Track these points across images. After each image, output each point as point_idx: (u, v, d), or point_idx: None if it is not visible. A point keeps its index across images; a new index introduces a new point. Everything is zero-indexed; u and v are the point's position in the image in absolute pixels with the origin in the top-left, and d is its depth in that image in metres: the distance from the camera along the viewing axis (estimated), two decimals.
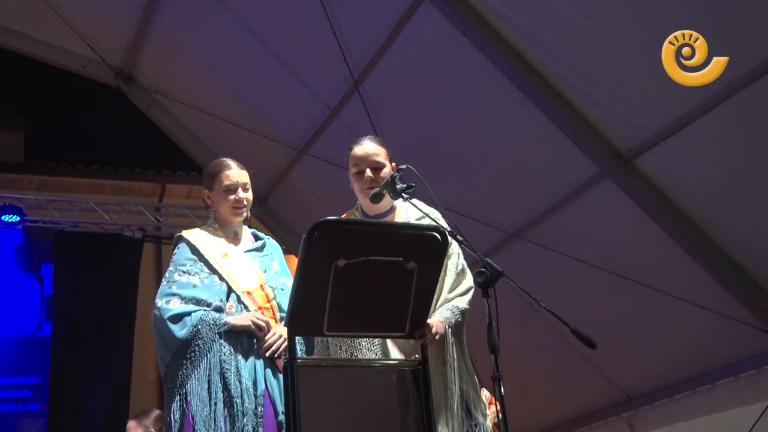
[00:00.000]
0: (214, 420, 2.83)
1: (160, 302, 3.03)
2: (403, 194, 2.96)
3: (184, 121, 7.23)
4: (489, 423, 3.74)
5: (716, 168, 4.57)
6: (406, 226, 2.99)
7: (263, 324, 2.98)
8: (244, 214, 3.25)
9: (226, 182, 3.20)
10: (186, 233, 3.23)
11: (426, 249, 2.65)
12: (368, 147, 3.17)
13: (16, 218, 7.16)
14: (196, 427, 2.83)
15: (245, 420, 2.84)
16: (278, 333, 3.00)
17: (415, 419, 2.66)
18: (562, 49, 4.63)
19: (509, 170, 5.49)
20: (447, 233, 2.72)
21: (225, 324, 2.96)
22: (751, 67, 4.00)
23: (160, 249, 8.44)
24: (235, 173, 3.23)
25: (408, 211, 3.18)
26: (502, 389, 2.60)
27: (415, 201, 3.12)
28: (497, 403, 2.65)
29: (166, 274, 3.14)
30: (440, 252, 2.69)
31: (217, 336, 2.93)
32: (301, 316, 2.55)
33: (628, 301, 5.41)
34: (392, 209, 3.20)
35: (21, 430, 6.95)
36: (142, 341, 7.96)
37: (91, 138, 8.93)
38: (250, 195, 3.26)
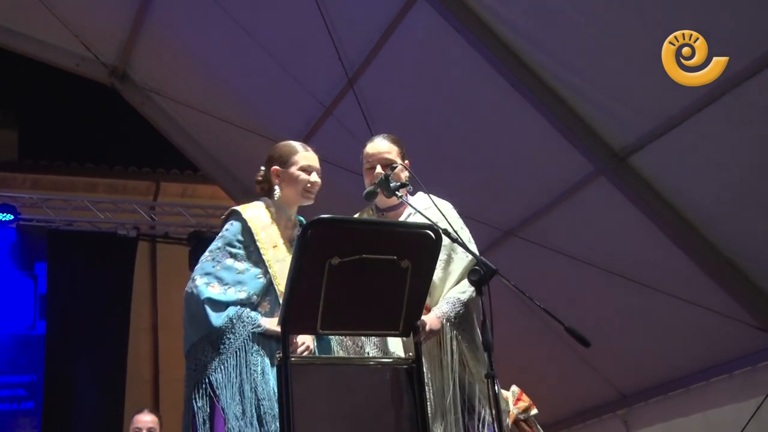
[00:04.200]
0: (245, 418, 2.78)
1: (200, 281, 2.92)
2: (397, 192, 2.97)
3: (179, 120, 7.22)
4: (509, 419, 3.73)
5: (710, 166, 4.58)
6: (401, 225, 3.00)
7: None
8: (312, 199, 3.14)
9: (304, 162, 3.10)
10: (243, 210, 3.08)
11: (420, 247, 2.65)
12: (380, 144, 3.23)
13: (9, 217, 7.14)
14: (229, 425, 2.78)
15: (275, 424, 2.74)
16: (307, 344, 2.93)
17: (410, 417, 2.65)
18: (557, 48, 4.63)
19: (504, 168, 5.49)
20: (441, 231, 2.72)
21: (260, 326, 2.89)
22: (744, 65, 4.01)
23: (154, 247, 8.44)
24: (312, 156, 3.14)
25: (417, 203, 3.18)
26: (497, 387, 2.60)
27: (422, 194, 3.15)
28: (492, 400, 2.65)
29: (213, 248, 3.01)
30: (434, 250, 2.69)
31: (250, 335, 2.88)
32: (295, 314, 2.54)
33: (623, 299, 5.41)
34: (403, 202, 3.21)
35: (15, 429, 6.93)
36: (137, 340, 7.97)
37: (86, 136, 8.92)
38: (320, 180, 3.15)
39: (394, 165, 3.13)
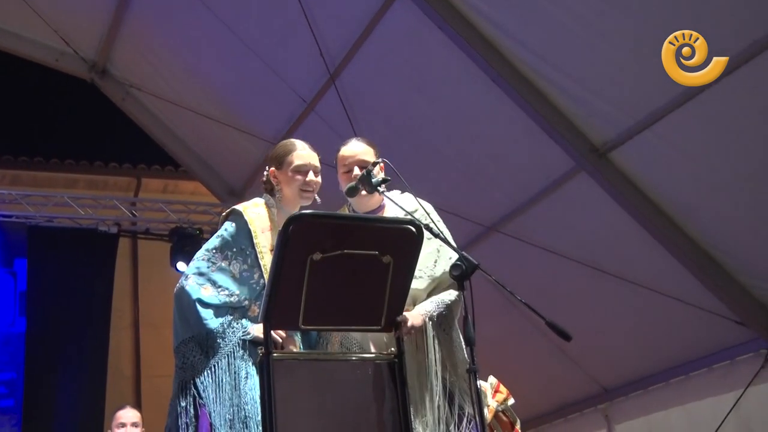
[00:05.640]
0: (232, 424, 2.77)
1: (193, 280, 2.90)
2: (378, 188, 2.96)
3: (160, 115, 7.18)
4: (489, 414, 3.73)
5: (690, 161, 4.61)
6: (382, 220, 2.99)
7: (280, 341, 2.90)
8: (311, 199, 3.09)
9: (297, 162, 3.05)
10: (244, 210, 3.04)
11: (401, 242, 2.65)
12: (356, 147, 3.17)
13: None
14: (215, 424, 2.78)
15: (258, 429, 2.74)
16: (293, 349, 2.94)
17: (392, 412, 2.66)
18: (538, 43, 4.65)
19: (485, 164, 5.51)
20: (423, 227, 2.72)
21: (248, 334, 2.88)
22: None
23: (135, 244, 8.39)
24: (307, 154, 3.08)
25: (401, 202, 3.15)
26: (478, 382, 2.61)
27: (407, 194, 3.13)
28: (473, 395, 2.66)
29: (210, 247, 2.98)
30: (415, 245, 2.70)
31: (239, 342, 2.86)
32: (277, 309, 2.55)
33: (604, 294, 5.45)
34: (382, 206, 3.19)
35: None
36: (118, 336, 7.93)
37: (66, 132, 8.85)
38: (319, 179, 3.09)
39: (375, 162, 3.11)
